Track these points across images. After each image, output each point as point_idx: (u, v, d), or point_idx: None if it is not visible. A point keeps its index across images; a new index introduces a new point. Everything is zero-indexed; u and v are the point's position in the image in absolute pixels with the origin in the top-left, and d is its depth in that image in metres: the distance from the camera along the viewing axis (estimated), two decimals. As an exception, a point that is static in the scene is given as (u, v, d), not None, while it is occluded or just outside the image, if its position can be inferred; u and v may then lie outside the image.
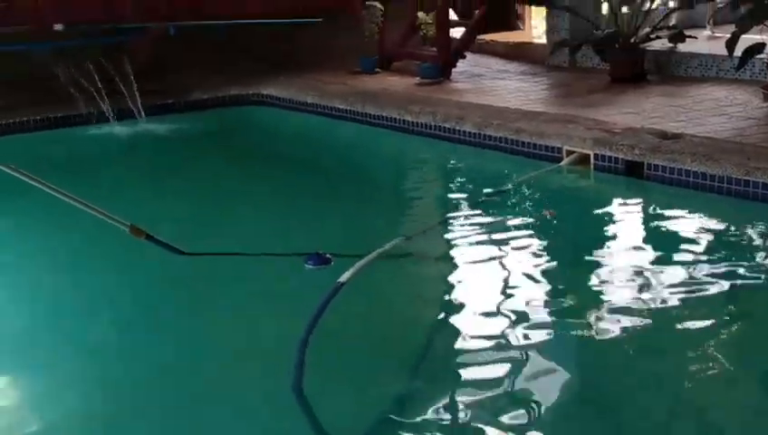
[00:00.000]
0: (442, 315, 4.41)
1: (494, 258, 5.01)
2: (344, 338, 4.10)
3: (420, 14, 9.78)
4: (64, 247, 5.47)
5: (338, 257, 4.78)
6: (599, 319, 4.16)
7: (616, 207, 6.10)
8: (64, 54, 8.88)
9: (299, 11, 10.08)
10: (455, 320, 4.30)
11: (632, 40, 8.84)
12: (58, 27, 8.83)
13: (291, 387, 3.52)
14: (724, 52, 7.51)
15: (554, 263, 4.99)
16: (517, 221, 5.65)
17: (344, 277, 4.43)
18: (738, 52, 7.30)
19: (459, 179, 7.16)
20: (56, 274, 5.11)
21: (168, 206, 6.30)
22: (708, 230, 5.42)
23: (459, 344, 4.02)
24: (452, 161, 7.46)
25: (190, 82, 9.55)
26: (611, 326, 4.08)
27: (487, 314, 4.29)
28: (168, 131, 8.60)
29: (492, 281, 4.69)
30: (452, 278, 4.84)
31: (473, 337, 4.06)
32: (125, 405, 3.61)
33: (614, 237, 5.49)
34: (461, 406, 3.49)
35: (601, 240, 5.37)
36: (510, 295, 4.48)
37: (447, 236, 5.51)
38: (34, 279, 5.07)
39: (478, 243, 5.30)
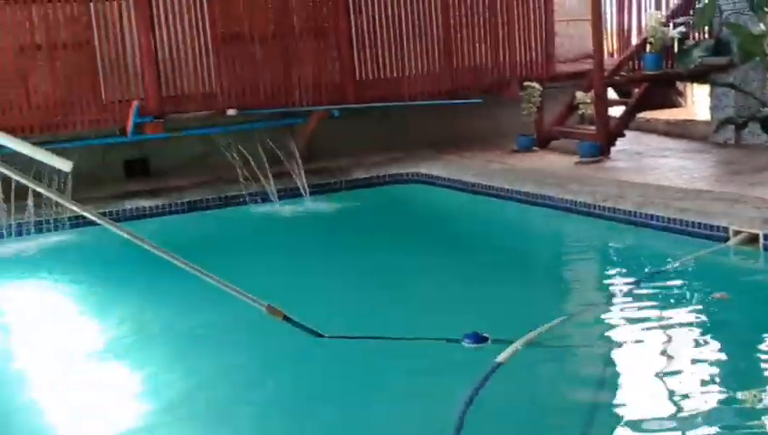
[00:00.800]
0: (601, 402, 4.31)
1: (657, 343, 4.88)
2: (500, 420, 4.07)
3: (579, 93, 9.79)
4: (202, 326, 5.58)
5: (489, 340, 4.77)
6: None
7: (788, 289, 5.85)
8: (236, 137, 9.40)
9: (458, 92, 10.31)
10: (615, 407, 4.21)
11: (803, 116, 8.53)
12: (231, 112, 9.36)
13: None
14: None
15: (723, 349, 4.80)
16: (681, 304, 5.50)
17: (501, 357, 4.43)
18: None
19: (619, 260, 7.04)
20: (194, 354, 5.23)
21: (325, 284, 6.45)
22: None
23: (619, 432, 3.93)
24: (612, 241, 7.35)
25: (352, 162, 9.87)
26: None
27: (649, 403, 4.17)
28: (331, 210, 8.90)
29: (655, 368, 4.56)
30: (613, 363, 4.74)
31: (633, 425, 3.96)
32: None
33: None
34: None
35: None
36: (675, 384, 4.34)
37: (608, 318, 5.41)
38: (177, 355, 5.23)
39: (641, 326, 5.17)
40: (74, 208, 4.38)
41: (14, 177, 3.87)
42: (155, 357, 5.23)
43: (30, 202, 7.99)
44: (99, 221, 4.18)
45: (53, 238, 7.97)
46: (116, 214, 8.42)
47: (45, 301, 6.57)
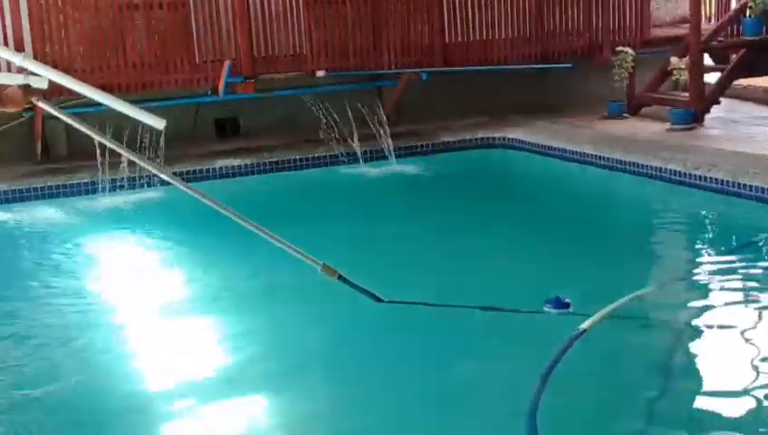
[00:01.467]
0: (682, 377, 4.27)
1: (747, 317, 4.78)
2: (578, 389, 4.06)
3: (673, 58, 9.54)
4: (285, 286, 5.62)
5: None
6: None
7: None
8: (324, 98, 9.48)
9: (549, 56, 10.17)
10: (695, 382, 4.14)
11: None
12: (320, 74, 9.44)
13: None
14: None
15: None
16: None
17: (586, 324, 4.41)
18: None
19: (710, 230, 6.89)
20: (274, 313, 5.31)
21: (407, 247, 6.48)
22: None
23: (698, 404, 3.88)
24: (702, 211, 7.18)
25: (439, 125, 9.85)
26: None
27: (731, 380, 4.09)
28: (416, 173, 8.91)
29: (743, 343, 4.47)
30: (699, 335, 4.66)
31: (714, 403, 3.90)
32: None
33: None
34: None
35: None
36: (762, 362, 4.24)
37: (695, 290, 5.33)
38: (259, 313, 5.33)
39: (730, 299, 5.08)
40: (145, 165, 4.52)
41: (84, 130, 3.97)
42: (238, 313, 5.37)
43: (124, 159, 8.22)
44: (169, 180, 4.29)
45: (146, 194, 8.19)
46: (207, 172, 8.63)
47: (135, 255, 6.79)
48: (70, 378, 4.53)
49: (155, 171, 5.06)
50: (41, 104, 3.90)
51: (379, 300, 4.41)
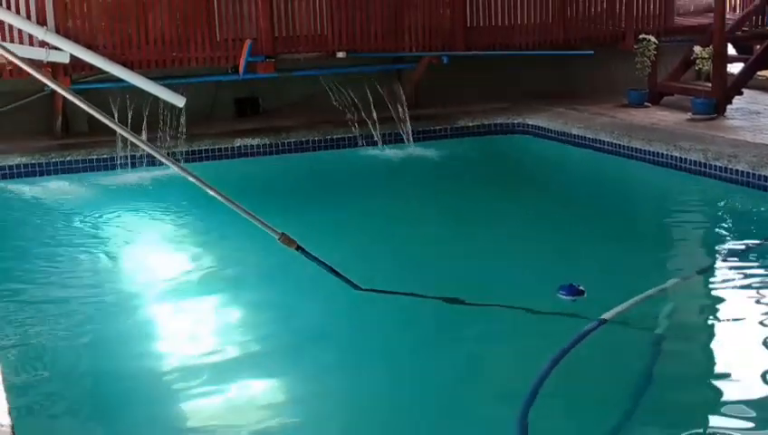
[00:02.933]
0: (699, 364, 4.26)
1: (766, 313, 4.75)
2: (582, 379, 4.05)
3: (697, 48, 9.47)
4: (293, 267, 5.38)
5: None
6: None
7: None
8: (344, 80, 9.45)
9: (571, 42, 10.11)
10: (717, 369, 4.13)
11: None
12: (341, 55, 9.41)
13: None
14: None
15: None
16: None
17: (608, 314, 4.40)
18: None
19: (730, 223, 6.82)
20: (277, 292, 5.31)
21: (420, 232, 6.49)
22: None
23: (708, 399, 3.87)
24: (722, 202, 7.12)
25: (458, 110, 9.81)
26: None
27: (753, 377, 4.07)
28: (434, 157, 8.89)
29: (762, 338, 4.43)
30: (716, 331, 4.63)
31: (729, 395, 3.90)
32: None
33: None
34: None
35: None
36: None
37: (716, 283, 5.29)
38: (270, 293, 5.33)
39: (750, 294, 5.03)
40: (142, 145, 4.51)
41: (88, 110, 3.93)
42: (247, 294, 5.37)
43: (143, 136, 8.22)
44: (162, 159, 4.30)
45: (166, 171, 8.18)
46: (225, 151, 8.64)
47: (154, 230, 6.81)
48: (79, 352, 4.58)
49: (149, 150, 4.99)
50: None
51: (357, 288, 4.37)
